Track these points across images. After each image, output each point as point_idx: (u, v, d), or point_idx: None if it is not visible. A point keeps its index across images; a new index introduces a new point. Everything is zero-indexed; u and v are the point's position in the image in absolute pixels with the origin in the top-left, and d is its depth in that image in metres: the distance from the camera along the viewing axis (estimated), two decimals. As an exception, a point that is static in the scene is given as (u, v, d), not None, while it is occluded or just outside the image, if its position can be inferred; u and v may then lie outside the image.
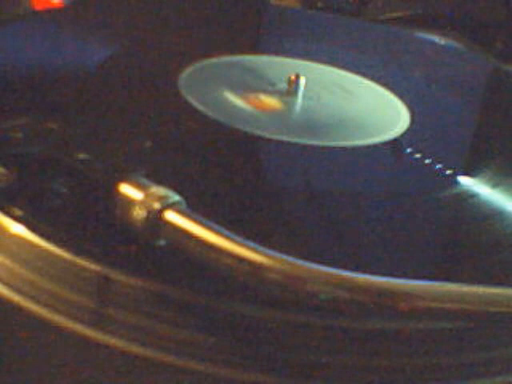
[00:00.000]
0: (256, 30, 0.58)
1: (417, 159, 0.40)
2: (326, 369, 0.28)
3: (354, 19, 0.65)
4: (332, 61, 0.50)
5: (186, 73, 0.45)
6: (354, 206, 0.37)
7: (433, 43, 0.60)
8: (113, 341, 0.28)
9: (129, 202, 0.29)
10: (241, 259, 0.26)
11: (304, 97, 0.45)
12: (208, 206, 0.31)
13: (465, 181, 0.38)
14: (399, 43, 0.58)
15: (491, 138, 0.46)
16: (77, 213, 0.31)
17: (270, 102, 0.44)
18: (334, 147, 0.40)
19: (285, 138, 0.40)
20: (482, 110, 0.50)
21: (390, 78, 0.49)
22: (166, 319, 0.28)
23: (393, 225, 0.35)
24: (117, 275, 0.28)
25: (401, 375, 0.28)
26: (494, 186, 0.38)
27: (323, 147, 0.40)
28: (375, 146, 0.40)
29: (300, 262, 0.26)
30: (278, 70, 0.47)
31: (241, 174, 0.36)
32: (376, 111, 0.45)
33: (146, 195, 0.28)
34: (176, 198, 0.28)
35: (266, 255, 0.26)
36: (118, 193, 0.29)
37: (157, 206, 0.28)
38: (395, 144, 0.41)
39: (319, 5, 0.68)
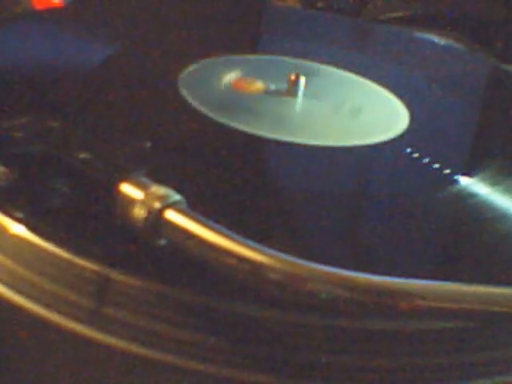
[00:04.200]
0: (256, 29, 0.58)
1: (416, 159, 0.40)
2: (325, 369, 0.28)
3: (354, 19, 0.65)
4: (332, 61, 0.50)
5: (186, 73, 0.45)
6: (354, 205, 0.37)
7: (433, 43, 0.60)
8: (113, 341, 0.28)
9: (129, 202, 0.29)
10: (241, 258, 0.26)
11: (304, 97, 0.45)
12: (208, 205, 0.31)
13: (464, 181, 0.38)
14: (399, 43, 0.58)
15: (491, 138, 0.46)
16: (77, 212, 0.31)
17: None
18: (333, 147, 0.40)
19: (285, 138, 0.40)
20: (482, 110, 0.50)
21: (390, 78, 0.49)
22: (166, 319, 0.28)
23: (393, 224, 0.35)
24: (117, 275, 0.28)
25: (401, 375, 0.28)
26: (494, 185, 0.38)
27: (323, 147, 0.40)
28: (375, 146, 0.40)
29: (300, 261, 0.26)
30: (278, 70, 0.47)
31: (241, 173, 0.36)
32: (376, 111, 0.45)
33: (147, 194, 0.28)
34: (176, 197, 0.28)
35: (266, 255, 0.26)
36: (118, 192, 0.29)
37: (157, 205, 0.28)
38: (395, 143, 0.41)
39: (319, 5, 0.68)
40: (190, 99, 0.42)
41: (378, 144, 0.41)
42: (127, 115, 0.40)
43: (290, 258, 0.26)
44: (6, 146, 0.32)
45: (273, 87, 0.45)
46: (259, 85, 0.45)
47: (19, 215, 0.30)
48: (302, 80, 0.45)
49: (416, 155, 0.40)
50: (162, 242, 0.28)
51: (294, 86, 0.45)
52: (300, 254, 0.26)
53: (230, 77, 0.45)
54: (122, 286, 0.28)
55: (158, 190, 0.28)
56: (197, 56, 0.47)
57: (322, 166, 0.39)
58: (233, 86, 0.44)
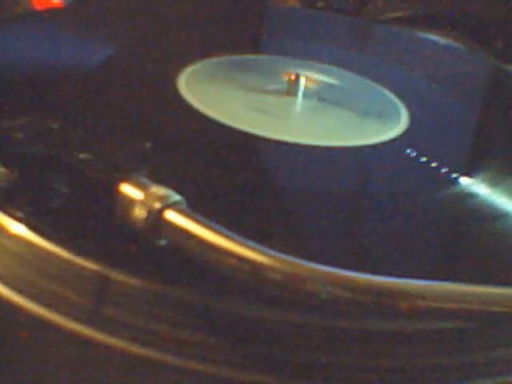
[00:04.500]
0: (256, 29, 0.58)
1: (417, 159, 0.40)
2: (326, 369, 0.28)
3: (354, 19, 0.65)
4: (332, 61, 0.50)
5: (186, 73, 0.45)
6: (354, 205, 0.37)
7: (433, 43, 0.60)
8: (113, 341, 0.28)
9: (129, 202, 0.29)
10: (241, 259, 0.26)
11: (304, 97, 0.45)
12: (208, 205, 0.31)
13: (464, 181, 0.38)
14: (399, 43, 0.58)
15: (491, 138, 0.46)
16: (77, 212, 0.31)
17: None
18: (333, 147, 0.40)
19: (285, 138, 0.40)
20: (481, 110, 0.50)
21: (390, 78, 0.49)
22: (166, 319, 0.28)
23: (393, 224, 0.35)
24: (117, 275, 0.28)
25: (401, 375, 0.28)
26: (494, 185, 0.38)
27: (323, 147, 0.40)
28: (375, 146, 0.40)
29: (300, 261, 0.26)
30: (278, 70, 0.47)
31: (241, 173, 0.36)
32: (376, 111, 0.45)
33: (147, 195, 0.28)
34: (176, 197, 0.28)
35: (266, 255, 0.26)
36: (118, 192, 0.29)
37: (157, 205, 0.28)
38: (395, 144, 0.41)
39: (319, 5, 0.68)
40: (190, 99, 0.42)
41: (377, 144, 0.41)
42: (127, 115, 0.40)
43: (290, 258, 0.26)
44: (6, 146, 0.32)
45: (273, 87, 0.45)
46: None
47: (19, 215, 0.30)
48: (302, 80, 0.45)
49: (416, 155, 0.40)
50: (162, 242, 0.28)
51: (294, 86, 0.45)
52: (300, 254, 0.26)
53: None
54: (122, 286, 0.28)
55: (158, 190, 0.28)
56: (197, 56, 0.47)
57: (322, 166, 0.39)
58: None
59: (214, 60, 0.48)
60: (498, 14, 0.67)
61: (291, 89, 0.45)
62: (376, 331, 0.28)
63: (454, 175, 0.38)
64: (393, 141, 0.41)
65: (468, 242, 0.35)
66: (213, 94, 0.44)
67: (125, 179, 0.29)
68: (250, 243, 0.26)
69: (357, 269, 0.26)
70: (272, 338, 0.28)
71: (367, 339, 0.28)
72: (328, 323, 0.28)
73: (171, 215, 0.28)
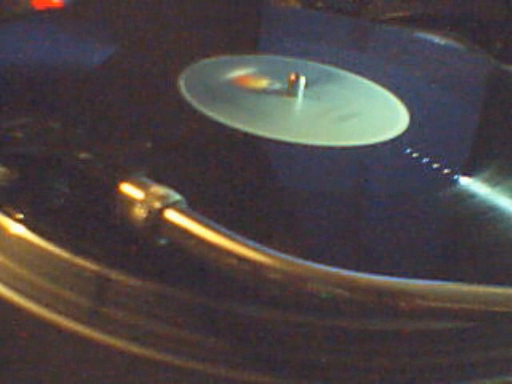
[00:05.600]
0: (256, 29, 0.58)
1: (416, 159, 0.40)
2: (326, 369, 0.28)
3: (354, 19, 0.65)
4: (332, 61, 0.50)
5: (186, 73, 0.45)
6: (354, 206, 0.37)
7: (433, 43, 0.60)
8: (113, 341, 0.28)
9: (129, 202, 0.29)
10: (241, 258, 0.26)
11: (304, 97, 0.45)
12: (208, 205, 0.31)
13: (464, 181, 0.38)
14: (399, 43, 0.58)
15: (491, 138, 0.46)
16: (77, 212, 0.31)
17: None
18: (333, 147, 0.40)
19: (285, 138, 0.40)
20: (482, 110, 0.50)
21: (390, 78, 0.49)
22: (166, 319, 0.28)
23: (393, 225, 0.35)
24: (117, 275, 0.28)
25: (401, 375, 0.28)
26: (494, 185, 0.38)
27: (323, 147, 0.40)
28: (375, 146, 0.40)
29: (301, 261, 0.26)
30: (278, 70, 0.47)
31: (241, 173, 0.36)
32: (376, 111, 0.45)
33: (147, 194, 0.28)
34: (176, 197, 0.28)
35: (266, 254, 0.26)
36: (118, 192, 0.29)
37: (157, 205, 0.28)
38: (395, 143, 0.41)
39: (319, 5, 0.68)
40: (190, 99, 0.42)
41: (377, 144, 0.41)
42: (127, 115, 0.40)
43: (290, 258, 0.26)
44: (6, 146, 0.32)
45: (273, 87, 0.45)
46: (264, 82, 0.45)
47: (19, 215, 0.30)
48: (302, 80, 0.45)
49: (416, 155, 0.40)
50: (162, 241, 0.28)
51: (293, 86, 0.45)
52: (300, 254, 0.26)
53: (233, 74, 0.45)
54: (121, 286, 0.28)
55: (158, 189, 0.28)
56: (197, 56, 0.47)
57: (322, 166, 0.39)
58: (236, 81, 0.44)
59: (214, 60, 0.48)
60: (498, 14, 0.67)
61: (291, 89, 0.45)
62: (376, 331, 0.28)
63: (454, 175, 0.38)
64: (393, 141, 0.41)
65: (468, 241, 0.35)
66: (213, 93, 0.44)
67: (125, 179, 0.29)
68: (250, 243, 0.26)
69: (357, 269, 0.26)
70: (272, 338, 0.28)
71: (367, 339, 0.28)
72: (328, 323, 0.28)
73: (171, 215, 0.28)
